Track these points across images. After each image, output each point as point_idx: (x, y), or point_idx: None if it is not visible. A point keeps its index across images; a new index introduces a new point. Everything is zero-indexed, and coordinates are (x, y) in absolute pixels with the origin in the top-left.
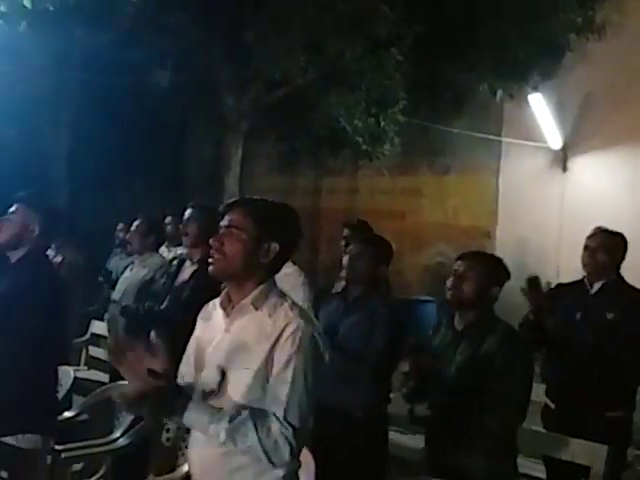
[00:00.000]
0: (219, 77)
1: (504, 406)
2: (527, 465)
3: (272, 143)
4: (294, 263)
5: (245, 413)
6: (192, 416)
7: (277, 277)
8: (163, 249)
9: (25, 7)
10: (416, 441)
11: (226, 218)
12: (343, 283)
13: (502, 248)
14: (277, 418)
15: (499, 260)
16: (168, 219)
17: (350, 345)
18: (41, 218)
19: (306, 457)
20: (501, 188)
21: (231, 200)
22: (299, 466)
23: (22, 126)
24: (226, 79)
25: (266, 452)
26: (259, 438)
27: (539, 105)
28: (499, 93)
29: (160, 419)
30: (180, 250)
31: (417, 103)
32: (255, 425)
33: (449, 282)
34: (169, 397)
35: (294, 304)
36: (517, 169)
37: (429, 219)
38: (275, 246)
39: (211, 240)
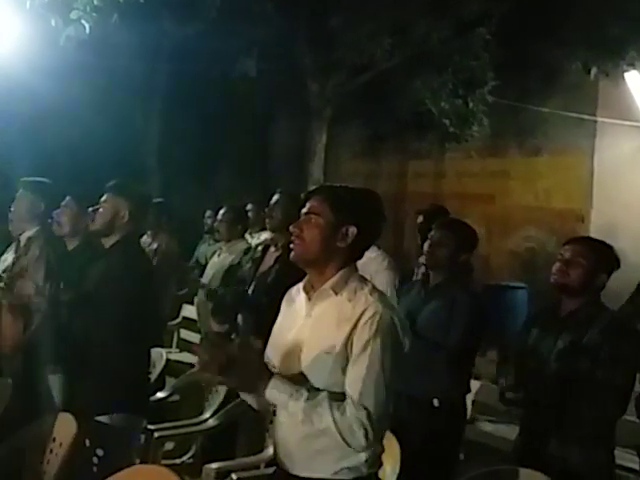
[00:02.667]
0: (304, 64)
1: (607, 396)
2: (620, 455)
3: (357, 128)
4: (378, 247)
5: (322, 394)
6: (274, 392)
7: (361, 262)
8: (247, 235)
9: (117, 0)
10: (505, 429)
11: (306, 205)
12: (422, 269)
13: (596, 233)
14: (352, 401)
15: (610, 247)
16: (250, 206)
17: (430, 333)
18: (130, 205)
19: (390, 441)
20: (596, 169)
21: (312, 188)
22: (382, 450)
23: (115, 116)
24: (310, 65)
25: (341, 434)
26: (334, 419)
27: (636, 83)
28: (593, 71)
29: (246, 390)
30: (265, 236)
31: (506, 83)
32: (331, 406)
33: (555, 267)
34: (255, 369)
35: (374, 289)
36: (613, 150)
37: (519, 202)
38: (353, 230)
39: (291, 227)
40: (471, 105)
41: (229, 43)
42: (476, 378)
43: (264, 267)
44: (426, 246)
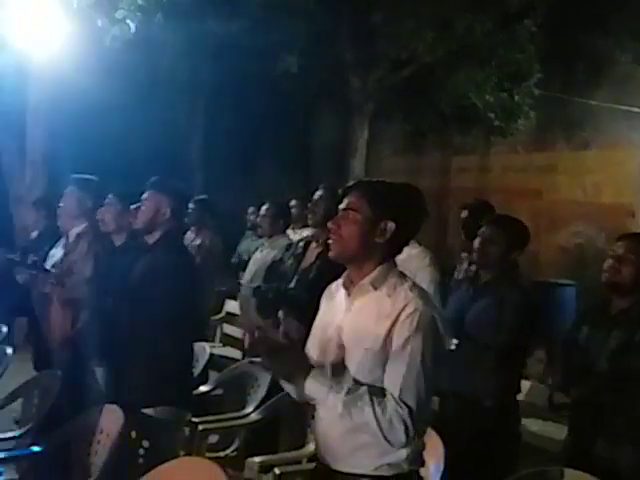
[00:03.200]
0: (345, 59)
1: None
2: None
3: (399, 123)
4: (420, 244)
5: (363, 388)
6: (313, 385)
7: (402, 258)
8: (289, 231)
9: (162, 0)
10: (552, 429)
11: (344, 201)
12: (465, 265)
13: None
14: (393, 397)
15: None
16: (293, 202)
17: (479, 331)
18: (171, 201)
19: (434, 439)
20: None
21: (350, 183)
22: (423, 447)
23: (160, 115)
24: (352, 61)
25: (381, 429)
26: (374, 414)
27: None
28: None
29: (286, 378)
30: (306, 232)
31: (553, 75)
32: (372, 401)
33: (606, 264)
34: (295, 358)
35: (414, 285)
36: None
37: (567, 197)
38: (391, 225)
39: (329, 223)
40: (517, 98)
41: (271, 40)
42: (524, 378)
43: (305, 263)
44: (476, 243)
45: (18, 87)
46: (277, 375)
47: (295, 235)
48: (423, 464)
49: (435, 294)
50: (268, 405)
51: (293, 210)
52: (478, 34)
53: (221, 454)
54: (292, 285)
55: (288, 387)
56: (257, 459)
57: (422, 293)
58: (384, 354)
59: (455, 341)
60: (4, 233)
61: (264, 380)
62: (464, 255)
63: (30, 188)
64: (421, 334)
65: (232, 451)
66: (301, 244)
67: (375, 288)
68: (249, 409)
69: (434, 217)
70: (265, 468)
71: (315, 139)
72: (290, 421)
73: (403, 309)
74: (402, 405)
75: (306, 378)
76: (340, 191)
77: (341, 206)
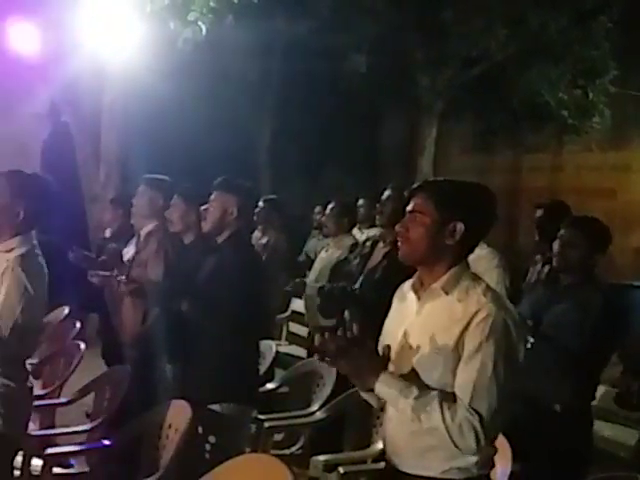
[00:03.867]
0: (414, 58)
1: None
2: None
3: (468, 122)
4: (488, 245)
5: (433, 393)
6: (383, 387)
7: (470, 259)
8: (355, 231)
9: (232, 1)
10: (625, 435)
11: (410, 203)
12: (539, 267)
13: None
14: (463, 404)
15: None
16: (361, 201)
17: (558, 334)
18: (238, 201)
19: (501, 442)
20: None
21: (415, 185)
22: (494, 452)
23: (229, 115)
24: (421, 59)
25: (450, 435)
26: (444, 419)
27: None
28: None
29: (356, 379)
30: (373, 232)
31: (629, 72)
32: (441, 406)
33: None
34: (366, 359)
35: (488, 288)
36: None
37: None
38: (460, 226)
39: (397, 227)
40: (591, 96)
41: (340, 39)
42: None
43: (372, 263)
44: (555, 247)
45: (93, 89)
46: (348, 376)
47: (362, 235)
48: (492, 467)
49: (502, 295)
50: (333, 404)
51: (360, 210)
52: (552, 31)
53: (286, 452)
54: (358, 285)
55: (366, 396)
56: (322, 458)
57: (496, 297)
58: (454, 359)
59: (531, 339)
60: (79, 231)
61: (329, 378)
62: (538, 257)
63: (104, 187)
64: (493, 340)
65: (297, 449)
66: (368, 244)
67: (446, 293)
68: (314, 407)
69: (504, 218)
70: (330, 467)
71: (383, 138)
72: (355, 420)
73: (475, 314)
74: (473, 412)
75: (376, 380)
76: (406, 192)
77: (408, 208)
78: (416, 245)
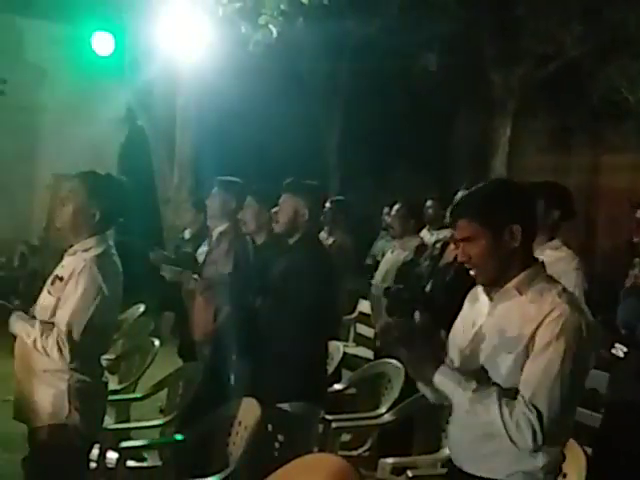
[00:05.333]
0: (487, 55)
1: None
2: None
3: (543, 120)
4: (568, 247)
5: (492, 388)
6: (442, 378)
7: (548, 262)
8: (425, 232)
9: (302, 3)
10: None
11: (456, 231)
12: (637, 271)
13: None
14: (523, 399)
15: None
16: (429, 202)
17: None
18: (308, 203)
19: (575, 450)
20: None
21: (450, 210)
22: (562, 459)
23: (298, 116)
24: (494, 57)
25: (507, 430)
26: (501, 414)
27: None
28: None
29: (415, 368)
30: (443, 233)
31: None
32: (499, 400)
33: None
34: (428, 350)
35: (564, 290)
36: None
37: None
38: (517, 228)
39: (459, 257)
40: None
41: (410, 38)
42: None
43: (443, 264)
44: None
45: (167, 93)
46: (407, 364)
47: (431, 236)
48: (559, 474)
49: (580, 298)
50: (402, 406)
51: (429, 211)
52: (632, 25)
53: (353, 453)
54: (429, 286)
55: (424, 388)
56: (390, 460)
57: (571, 299)
58: (524, 359)
59: (624, 349)
60: (154, 232)
61: (397, 381)
62: (637, 260)
63: (177, 189)
64: (564, 339)
65: (364, 451)
66: (438, 245)
67: (520, 293)
68: (382, 410)
69: (581, 218)
70: (398, 470)
71: (454, 138)
72: (424, 424)
73: (549, 313)
74: (531, 408)
75: (435, 371)
76: (448, 216)
77: (457, 237)
78: (485, 266)
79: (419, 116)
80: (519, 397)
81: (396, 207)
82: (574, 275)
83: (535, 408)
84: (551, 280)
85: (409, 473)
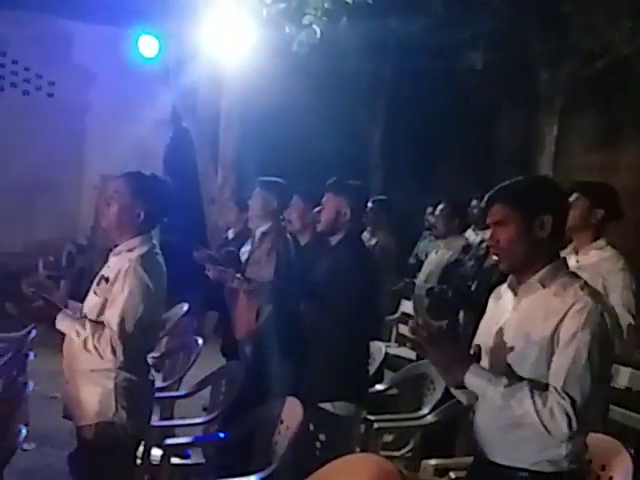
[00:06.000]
0: (533, 52)
1: None
2: None
3: (591, 118)
4: (614, 247)
5: (523, 382)
6: (472, 377)
7: (592, 262)
8: (470, 232)
9: (346, 3)
10: None
11: (489, 216)
12: None
13: None
14: (555, 389)
15: None
16: (474, 202)
17: None
18: (351, 202)
19: (623, 454)
20: None
21: (487, 196)
22: (586, 450)
23: (341, 116)
24: (540, 54)
25: (541, 420)
26: (534, 404)
27: None
28: None
29: (445, 369)
30: (489, 233)
31: None
32: (531, 392)
33: None
34: (455, 349)
35: (586, 284)
36: None
37: None
38: (548, 218)
39: (487, 241)
40: None
41: (455, 36)
42: None
43: (489, 264)
44: None
45: (211, 95)
46: (435, 365)
47: (477, 236)
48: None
49: (629, 299)
50: (444, 408)
51: (474, 210)
52: None
53: (396, 453)
54: (474, 286)
55: (457, 393)
56: (432, 461)
57: (594, 293)
58: (549, 351)
59: None
60: (197, 232)
61: (440, 382)
62: None
63: (221, 190)
64: (589, 330)
65: (407, 452)
66: (483, 245)
67: (544, 286)
68: (425, 411)
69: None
70: (441, 471)
71: (499, 137)
72: (467, 426)
73: (572, 305)
74: (564, 396)
75: (466, 371)
76: (483, 203)
77: (488, 221)
78: (513, 253)
79: (463, 115)
80: (550, 388)
81: (440, 207)
82: (620, 276)
83: (568, 396)
84: (573, 275)
85: (452, 475)
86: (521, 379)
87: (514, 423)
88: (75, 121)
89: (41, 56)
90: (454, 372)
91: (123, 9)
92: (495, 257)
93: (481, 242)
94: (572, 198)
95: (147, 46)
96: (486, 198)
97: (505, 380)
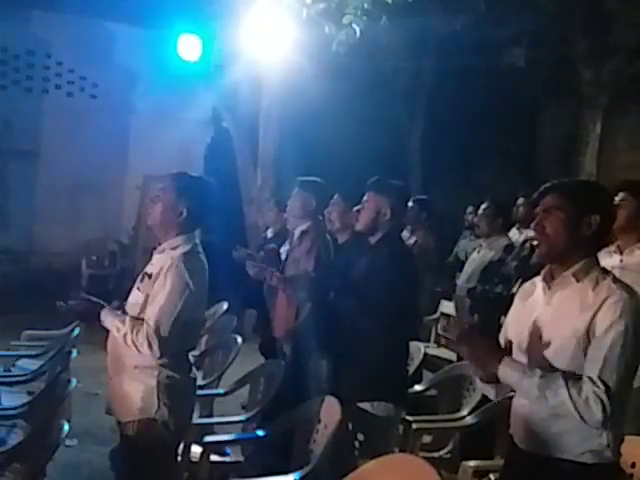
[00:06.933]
0: (577, 50)
1: None
2: None
3: (635, 116)
4: None
5: (557, 373)
6: (507, 370)
7: (633, 262)
8: (514, 231)
9: (386, 2)
10: None
11: (541, 204)
12: None
13: None
14: (590, 378)
15: None
16: (520, 200)
17: None
18: (391, 202)
19: None
20: None
21: (542, 187)
22: (622, 439)
23: (381, 115)
24: (583, 51)
25: (577, 409)
26: (570, 394)
27: None
28: None
29: (478, 364)
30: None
31: None
32: (566, 382)
33: None
34: (488, 345)
35: (617, 279)
36: None
37: None
38: (596, 218)
39: (532, 226)
40: None
41: (497, 34)
42: None
43: (533, 263)
44: None
45: (251, 95)
46: (469, 360)
47: (521, 235)
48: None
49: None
50: (484, 409)
51: (519, 209)
52: None
53: (435, 455)
54: (516, 287)
55: (486, 389)
56: (472, 463)
57: (626, 285)
58: (585, 343)
59: None
60: (237, 231)
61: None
62: None
63: (260, 190)
64: (624, 321)
65: (446, 453)
66: (527, 245)
67: (578, 280)
68: (464, 412)
69: None
70: (480, 473)
71: (541, 135)
72: (507, 428)
73: (606, 299)
74: (599, 384)
75: (499, 364)
76: (535, 195)
77: (539, 208)
78: (554, 240)
79: (505, 113)
80: (584, 378)
81: (483, 206)
82: None
83: (603, 383)
84: (605, 271)
85: (492, 477)
86: (550, 367)
87: (554, 415)
88: (118, 122)
89: (85, 58)
90: (487, 366)
91: (165, 11)
92: (535, 242)
93: (525, 242)
94: (618, 197)
95: (188, 47)
96: (541, 189)
97: (539, 371)
